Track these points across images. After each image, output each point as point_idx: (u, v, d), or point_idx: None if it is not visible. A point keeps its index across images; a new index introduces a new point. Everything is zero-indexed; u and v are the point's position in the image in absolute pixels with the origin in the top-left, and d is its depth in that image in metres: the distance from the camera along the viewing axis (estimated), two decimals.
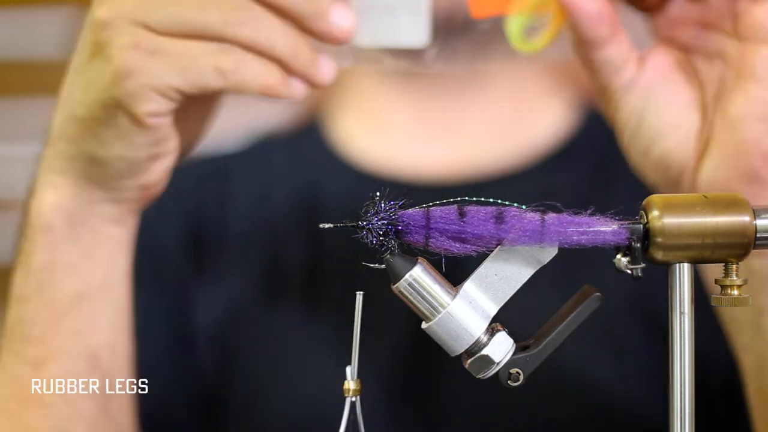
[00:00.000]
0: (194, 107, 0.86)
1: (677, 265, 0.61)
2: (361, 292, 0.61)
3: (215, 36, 0.77)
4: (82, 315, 0.88)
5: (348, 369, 0.62)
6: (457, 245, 0.61)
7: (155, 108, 0.79)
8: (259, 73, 0.78)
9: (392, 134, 1.17)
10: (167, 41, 0.77)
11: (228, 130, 1.36)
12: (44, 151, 0.88)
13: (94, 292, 0.89)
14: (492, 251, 0.61)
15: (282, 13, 0.78)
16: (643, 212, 0.62)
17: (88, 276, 0.88)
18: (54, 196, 0.86)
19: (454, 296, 0.61)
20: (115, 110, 0.79)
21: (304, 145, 1.21)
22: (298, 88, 0.80)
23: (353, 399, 0.61)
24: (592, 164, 1.13)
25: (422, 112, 1.17)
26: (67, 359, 0.88)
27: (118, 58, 0.77)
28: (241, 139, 1.24)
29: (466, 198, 0.62)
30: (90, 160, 0.84)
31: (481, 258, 0.62)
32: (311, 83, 0.81)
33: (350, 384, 0.61)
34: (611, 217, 0.62)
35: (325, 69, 0.81)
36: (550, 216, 0.61)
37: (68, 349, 0.88)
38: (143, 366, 0.98)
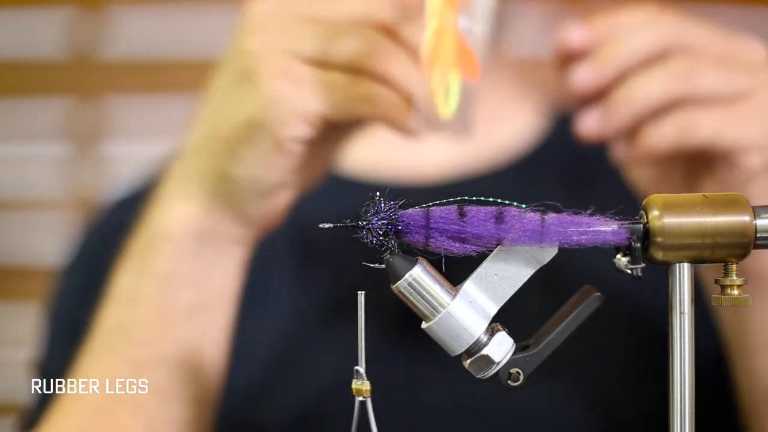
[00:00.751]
0: (322, 144, 0.89)
1: (677, 265, 0.61)
2: (363, 292, 0.61)
3: (355, 67, 0.82)
4: (193, 326, 0.90)
5: (356, 369, 0.61)
6: (457, 245, 0.61)
7: (297, 133, 0.83)
8: (391, 104, 0.82)
9: (374, 137, 1.18)
10: (313, 71, 0.82)
11: None
12: (175, 165, 0.91)
13: (208, 307, 0.90)
14: (492, 251, 0.61)
15: (413, 54, 0.82)
16: (642, 212, 0.61)
17: (204, 290, 0.90)
18: (185, 209, 0.88)
19: (454, 296, 0.61)
20: (258, 132, 0.83)
21: None
22: (419, 128, 0.83)
23: (362, 399, 0.61)
24: (566, 165, 1.14)
25: None
26: (170, 367, 0.89)
27: (267, 84, 0.82)
28: None
29: (466, 198, 0.62)
30: (223, 177, 0.87)
31: (481, 258, 0.61)
32: (433, 127, 0.83)
33: (358, 384, 0.61)
34: (611, 217, 0.61)
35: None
36: (550, 216, 0.61)
37: (174, 357, 0.89)
38: None
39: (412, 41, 0.82)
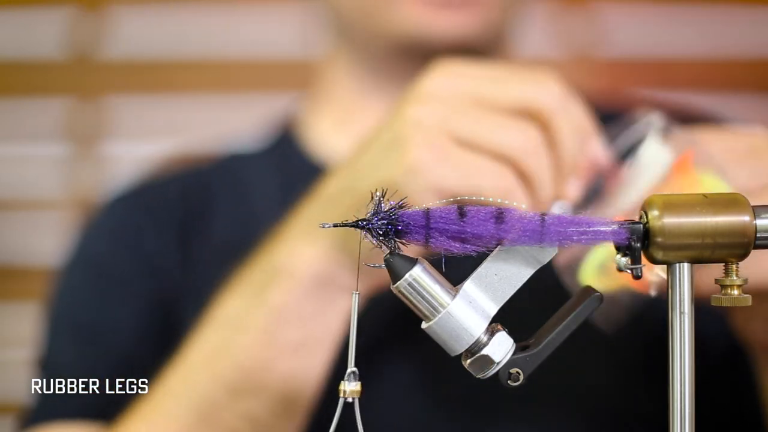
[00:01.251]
0: None
1: (677, 265, 0.61)
2: (357, 292, 0.61)
3: (502, 157, 0.83)
4: (297, 362, 0.92)
5: (353, 371, 0.61)
6: (457, 245, 0.61)
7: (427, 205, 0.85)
8: (527, 204, 0.83)
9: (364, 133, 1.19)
10: (459, 151, 0.84)
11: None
12: (309, 205, 0.93)
13: (312, 346, 0.92)
14: (492, 251, 0.61)
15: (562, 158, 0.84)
16: (642, 212, 0.62)
17: (312, 330, 0.92)
18: (311, 251, 0.90)
19: (454, 296, 0.61)
20: (390, 194, 0.85)
21: (278, 152, 1.22)
22: None
23: (349, 400, 0.61)
24: None
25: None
26: (269, 397, 0.91)
27: (412, 152, 0.84)
28: (218, 155, 1.26)
29: (466, 197, 0.62)
30: (353, 230, 0.88)
31: (481, 258, 0.61)
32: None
33: (344, 385, 0.61)
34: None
35: None
36: (550, 216, 0.61)
37: (274, 389, 0.91)
38: (137, 365, 0.98)
39: (566, 141, 0.84)
